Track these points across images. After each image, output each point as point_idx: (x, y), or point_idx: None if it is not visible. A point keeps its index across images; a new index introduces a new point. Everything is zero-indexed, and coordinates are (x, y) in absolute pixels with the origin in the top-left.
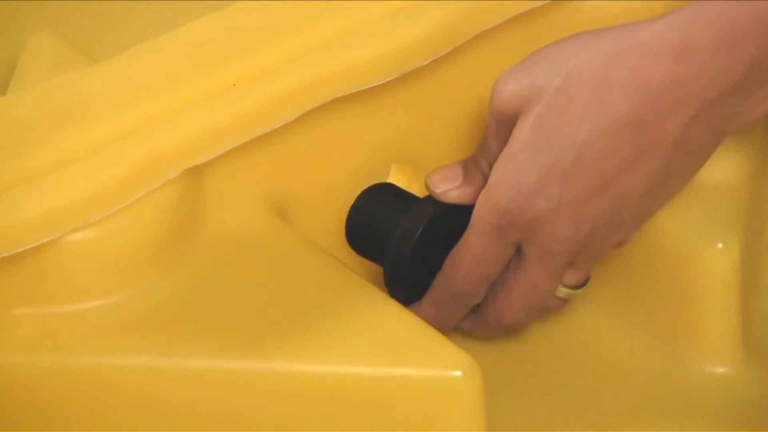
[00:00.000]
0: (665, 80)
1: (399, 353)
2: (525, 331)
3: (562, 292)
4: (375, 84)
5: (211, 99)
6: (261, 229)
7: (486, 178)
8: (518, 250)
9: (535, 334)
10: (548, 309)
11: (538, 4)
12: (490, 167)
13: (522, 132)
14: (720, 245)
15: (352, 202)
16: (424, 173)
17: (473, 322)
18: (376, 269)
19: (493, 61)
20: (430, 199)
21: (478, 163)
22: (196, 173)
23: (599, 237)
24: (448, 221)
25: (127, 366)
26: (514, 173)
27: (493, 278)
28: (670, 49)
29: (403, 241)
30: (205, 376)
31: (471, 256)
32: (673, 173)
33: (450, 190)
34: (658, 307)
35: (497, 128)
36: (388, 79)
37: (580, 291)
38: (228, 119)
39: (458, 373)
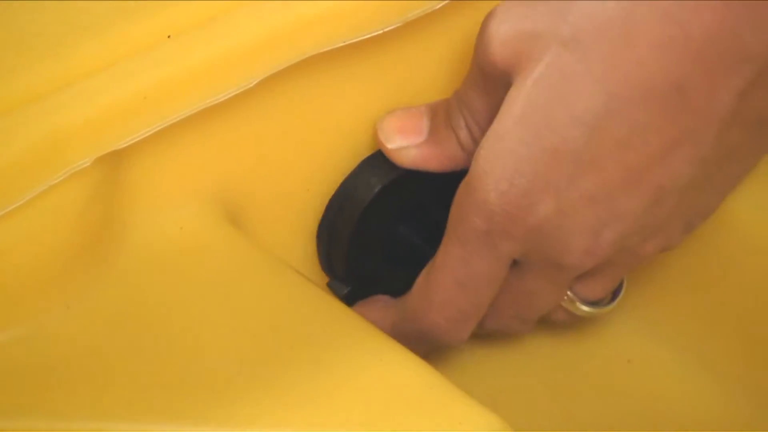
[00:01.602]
0: (713, 30)
1: (403, 413)
2: (555, 362)
3: (580, 310)
4: (367, 36)
5: (135, 56)
6: (206, 240)
7: (459, 142)
8: (514, 261)
9: (565, 362)
10: (553, 322)
11: None
12: (467, 127)
13: (515, 102)
14: None
15: (330, 203)
16: None
17: None
18: None
19: None
20: None
21: (452, 116)
22: (114, 162)
23: (630, 244)
24: (428, 188)
25: None
26: (505, 161)
27: (480, 313)
28: None
29: (359, 189)
30: None
31: (450, 276)
32: (730, 155)
33: (407, 147)
34: (734, 336)
35: (482, 80)
36: (385, 30)
37: (607, 308)
38: (159, 85)
39: None
